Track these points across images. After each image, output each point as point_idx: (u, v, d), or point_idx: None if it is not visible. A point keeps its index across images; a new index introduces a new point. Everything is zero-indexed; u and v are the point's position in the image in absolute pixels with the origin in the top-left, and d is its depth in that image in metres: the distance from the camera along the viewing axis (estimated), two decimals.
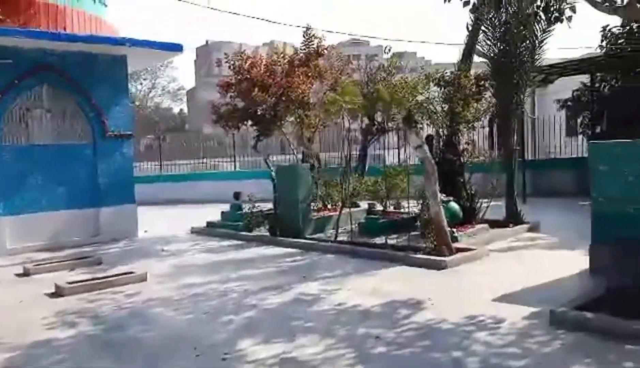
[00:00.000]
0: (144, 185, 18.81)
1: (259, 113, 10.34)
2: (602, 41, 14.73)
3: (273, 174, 10.41)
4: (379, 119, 12.04)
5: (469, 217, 9.76)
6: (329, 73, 10.88)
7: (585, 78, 15.64)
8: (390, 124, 11.93)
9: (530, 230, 9.68)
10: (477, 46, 10.75)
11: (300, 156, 11.92)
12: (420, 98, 10.24)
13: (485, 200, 9.99)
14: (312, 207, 10.72)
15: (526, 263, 7.55)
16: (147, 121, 61.16)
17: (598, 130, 14.63)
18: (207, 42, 65.07)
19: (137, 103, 64.82)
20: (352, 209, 10.80)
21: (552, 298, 5.48)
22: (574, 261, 7.17)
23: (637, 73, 13.98)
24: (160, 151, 20.48)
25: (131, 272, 7.53)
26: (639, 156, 6.08)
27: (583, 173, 14.98)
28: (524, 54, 10.13)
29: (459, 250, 7.80)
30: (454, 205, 9.32)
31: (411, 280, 6.89)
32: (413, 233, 8.99)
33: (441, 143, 10.49)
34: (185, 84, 73.15)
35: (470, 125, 10.35)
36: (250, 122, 10.58)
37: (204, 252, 9.41)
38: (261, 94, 9.79)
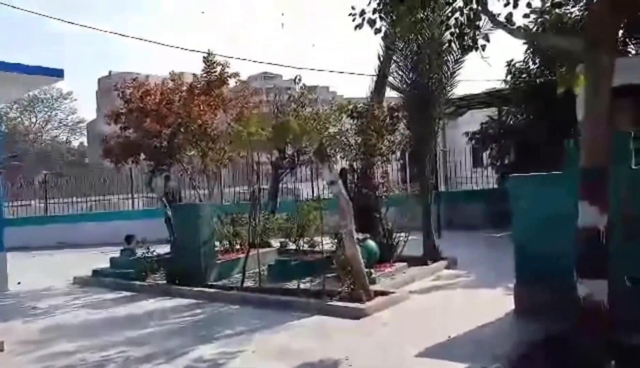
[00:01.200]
0: (27, 227, 16.81)
1: (154, 146, 9.17)
2: (506, 76, 15.07)
3: (169, 213, 9.23)
4: (290, 152, 11.31)
5: (386, 254, 9.14)
6: (233, 103, 9.97)
7: (491, 112, 15.93)
8: (302, 157, 11.22)
9: (448, 266, 9.19)
10: (389, 77, 10.38)
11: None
12: (332, 130, 9.65)
13: (402, 235, 9.46)
14: (216, 249, 9.63)
15: (449, 306, 6.94)
16: (43, 155, 56.71)
17: (506, 161, 14.80)
18: (109, 72, 62.21)
19: (30, 136, 60.14)
20: (263, 250, 9.85)
21: (481, 351, 4.82)
22: (497, 301, 6.66)
23: (540, 105, 14.35)
24: (46, 189, 18.35)
25: None
26: (559, 189, 5.68)
27: (491, 204, 15.29)
28: (436, 85, 9.85)
29: (377, 293, 7.07)
30: (370, 243, 8.65)
31: (326, 334, 6.01)
32: (328, 275, 8.15)
33: (356, 177, 9.88)
34: (87, 116, 69.26)
35: (384, 158, 9.83)
36: (142, 156, 9.37)
37: (85, 308, 7.97)
38: (155, 124, 8.66)
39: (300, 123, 8.61)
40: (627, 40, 12.99)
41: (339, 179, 7.18)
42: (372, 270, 7.99)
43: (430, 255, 9.38)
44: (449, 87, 10.04)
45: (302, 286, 7.77)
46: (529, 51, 14.89)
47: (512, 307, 6.16)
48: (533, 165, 13.97)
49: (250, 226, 9.35)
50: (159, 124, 8.93)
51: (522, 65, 14.95)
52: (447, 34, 7.09)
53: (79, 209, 18.69)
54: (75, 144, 67.46)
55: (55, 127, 63.47)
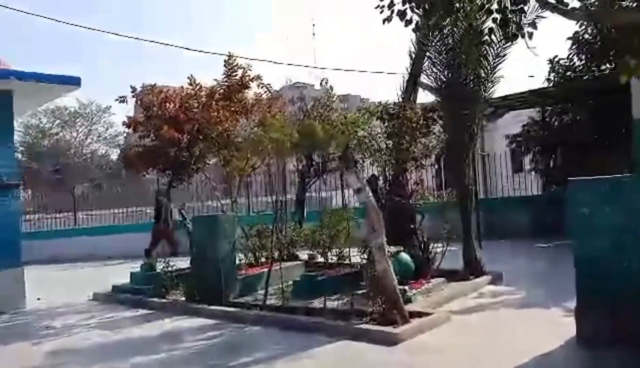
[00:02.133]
0: (58, 240, 16.71)
1: (171, 154, 8.66)
2: (549, 73, 14.06)
3: (189, 226, 8.68)
4: (317, 159, 10.66)
5: (422, 269, 8.35)
6: (256, 108, 9.38)
7: (533, 113, 14.91)
8: (329, 164, 10.55)
9: (492, 282, 8.32)
10: (421, 76, 9.61)
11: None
12: (362, 134, 8.96)
13: (439, 245, 8.66)
14: (240, 262, 9.04)
15: (498, 330, 6.07)
16: (83, 168, 57.86)
17: (552, 165, 13.76)
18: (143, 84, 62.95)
19: (71, 150, 61.49)
20: (289, 263, 9.24)
21: None
22: (554, 325, 5.79)
23: (587, 104, 13.29)
24: (75, 200, 18.23)
25: None
26: (633, 194, 4.83)
27: (536, 212, 14.23)
28: (475, 82, 9.03)
29: (413, 315, 6.29)
30: (404, 257, 7.89)
31: (355, 364, 5.28)
32: (358, 292, 7.41)
33: (387, 184, 9.13)
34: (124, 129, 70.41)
35: (418, 163, 9.06)
36: (160, 166, 8.87)
37: (98, 329, 7.46)
38: (172, 131, 8.15)
39: (326, 127, 7.96)
40: None
41: (366, 186, 6.46)
42: (407, 288, 7.22)
43: (472, 269, 8.53)
44: (489, 84, 9.19)
45: (329, 305, 7.06)
46: (574, 47, 13.89)
47: (574, 332, 5.27)
48: (582, 169, 12.98)
49: (273, 238, 8.74)
50: (177, 131, 8.40)
51: (566, 62, 13.95)
52: (489, 21, 6.34)
53: (114, 221, 18.52)
54: (114, 156, 68.65)
55: (95, 140, 64.71)
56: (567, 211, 5.35)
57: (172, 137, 8.26)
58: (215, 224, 8.33)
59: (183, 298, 8.37)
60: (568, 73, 13.57)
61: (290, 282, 8.33)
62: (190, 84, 9.11)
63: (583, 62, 13.71)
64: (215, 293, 7.88)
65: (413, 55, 9.58)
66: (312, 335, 6.16)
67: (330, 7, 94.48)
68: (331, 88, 10.80)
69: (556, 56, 13.86)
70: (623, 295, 4.66)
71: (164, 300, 8.52)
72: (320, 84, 10.67)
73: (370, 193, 6.41)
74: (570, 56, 13.82)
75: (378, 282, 6.40)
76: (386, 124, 8.66)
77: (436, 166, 14.50)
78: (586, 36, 13.49)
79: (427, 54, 9.13)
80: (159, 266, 9.21)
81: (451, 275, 8.50)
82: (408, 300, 6.89)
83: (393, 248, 7.99)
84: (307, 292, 7.84)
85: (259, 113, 9.34)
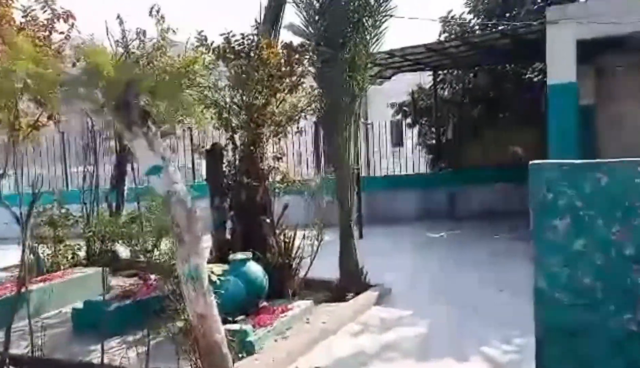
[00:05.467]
0: None
1: None
2: (441, 34, 12.04)
3: None
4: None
5: (281, 282, 5.74)
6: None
7: (424, 77, 12.87)
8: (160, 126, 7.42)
9: (379, 300, 5.88)
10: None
11: None
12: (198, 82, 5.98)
13: (309, 243, 6.14)
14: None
15: None
16: None
17: (443, 140, 11.82)
18: None
19: None
20: (80, 272, 6.20)
21: None
22: None
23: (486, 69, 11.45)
24: None
25: None
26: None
27: (424, 195, 12.34)
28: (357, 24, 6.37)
29: None
30: (253, 269, 5.19)
31: None
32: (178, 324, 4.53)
33: (236, 158, 6.30)
34: None
35: (280, 130, 6.31)
36: None
37: None
38: None
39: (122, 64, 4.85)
40: None
41: (170, 163, 3.53)
42: (250, 325, 4.53)
43: (351, 280, 6.03)
44: (378, 31, 6.58)
45: (114, 362, 4.14)
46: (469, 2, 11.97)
47: None
48: (478, 145, 11.16)
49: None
50: None
51: (459, 20, 12.01)
52: None
53: None
54: None
55: None
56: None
57: None
58: None
59: None
60: (465, 35, 11.60)
61: (68, 310, 5.27)
62: None
63: (479, 20, 11.84)
64: None
65: None
66: None
67: None
68: (162, 18, 7.55)
69: (451, 11, 11.84)
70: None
71: None
72: (150, 13, 7.32)
73: (177, 178, 3.50)
74: (466, 13, 11.89)
75: (191, 333, 3.60)
76: (230, 66, 5.76)
77: (311, 135, 11.96)
78: None
79: None
80: None
81: (323, 289, 6.01)
82: (248, 350, 4.20)
83: (240, 256, 5.27)
84: (89, 328, 4.81)
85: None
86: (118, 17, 6.02)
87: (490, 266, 7.22)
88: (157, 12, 6.70)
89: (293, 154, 10.83)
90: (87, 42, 5.72)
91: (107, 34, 5.81)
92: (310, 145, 12.16)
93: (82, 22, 7.04)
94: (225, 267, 4.63)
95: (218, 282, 3.72)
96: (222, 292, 3.79)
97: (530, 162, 2.70)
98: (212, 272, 3.72)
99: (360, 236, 9.74)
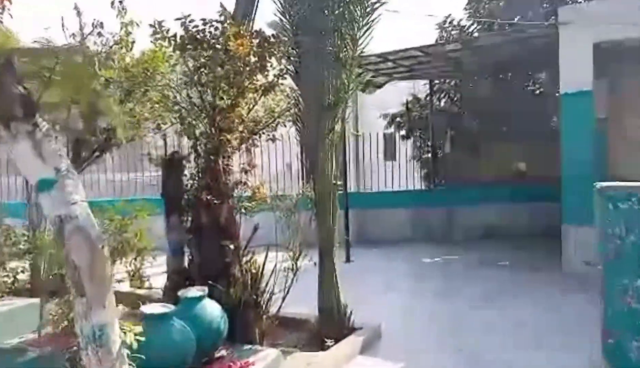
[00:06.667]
0: None
1: None
2: (437, 39, 11.14)
3: None
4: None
5: (246, 323, 4.69)
6: None
7: (419, 86, 11.95)
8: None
9: (365, 348, 4.83)
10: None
11: None
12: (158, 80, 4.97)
13: (283, 271, 5.14)
14: None
15: None
16: None
17: (439, 154, 10.85)
18: None
19: None
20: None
21: None
22: None
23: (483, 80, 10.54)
24: None
25: None
26: None
27: (419, 213, 11.33)
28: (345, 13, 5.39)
29: None
30: (209, 310, 4.15)
31: None
32: None
33: (199, 170, 5.26)
34: None
35: (250, 137, 5.30)
36: None
37: None
38: None
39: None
40: None
41: (70, 173, 2.50)
42: None
43: (331, 321, 4.98)
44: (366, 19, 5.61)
45: None
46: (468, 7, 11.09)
47: None
48: (479, 161, 10.18)
49: None
50: None
51: (459, 26, 11.13)
52: None
53: None
54: None
55: None
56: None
57: None
58: None
59: None
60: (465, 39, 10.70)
61: None
62: None
63: (479, 27, 10.95)
64: None
65: None
66: None
67: None
68: (124, 10, 6.55)
69: (449, 15, 10.95)
70: None
71: None
72: (112, 4, 6.31)
73: (76, 198, 2.47)
74: (465, 19, 11.00)
75: None
76: (188, 58, 4.76)
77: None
78: None
79: None
80: None
81: (297, 331, 4.97)
82: None
83: (195, 291, 4.25)
84: None
85: None
86: (75, 7, 5.01)
87: (495, 303, 6.21)
88: (120, 2, 5.71)
89: (276, 165, 9.82)
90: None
91: (62, 28, 4.79)
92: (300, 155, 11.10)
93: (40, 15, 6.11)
94: (171, 307, 3.60)
95: (135, 345, 2.65)
96: (142, 357, 2.72)
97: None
98: (127, 331, 2.66)
99: (347, 259, 8.75)
